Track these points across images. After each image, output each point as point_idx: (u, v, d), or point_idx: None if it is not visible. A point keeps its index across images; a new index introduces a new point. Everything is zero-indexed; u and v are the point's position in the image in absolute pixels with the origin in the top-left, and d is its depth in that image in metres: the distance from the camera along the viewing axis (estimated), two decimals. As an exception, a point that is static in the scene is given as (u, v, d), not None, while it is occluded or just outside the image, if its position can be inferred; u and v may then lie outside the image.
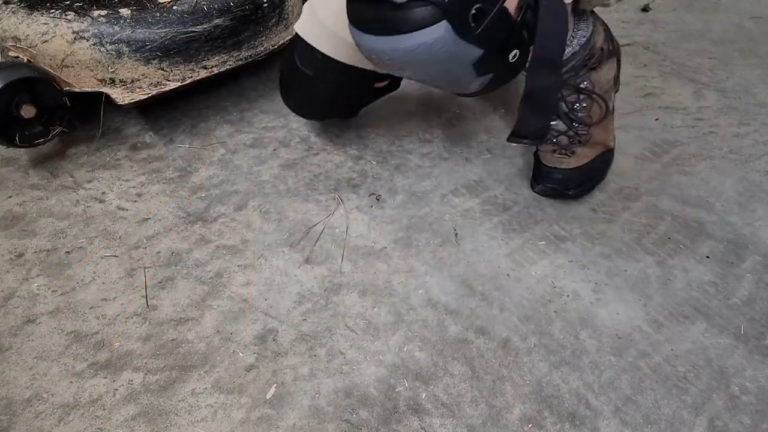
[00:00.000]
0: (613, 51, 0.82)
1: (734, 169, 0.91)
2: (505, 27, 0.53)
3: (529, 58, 0.57)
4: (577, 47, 0.75)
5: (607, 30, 0.82)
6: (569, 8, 0.66)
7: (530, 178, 0.86)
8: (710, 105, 1.07)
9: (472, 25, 0.50)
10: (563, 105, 0.80)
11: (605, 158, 0.85)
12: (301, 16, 0.80)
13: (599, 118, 0.81)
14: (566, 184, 0.82)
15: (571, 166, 0.82)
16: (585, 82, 0.79)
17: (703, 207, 0.84)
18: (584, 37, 0.76)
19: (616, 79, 0.85)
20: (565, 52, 0.73)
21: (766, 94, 1.10)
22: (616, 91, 0.86)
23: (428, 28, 0.49)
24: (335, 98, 0.85)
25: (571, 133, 0.81)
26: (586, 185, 0.84)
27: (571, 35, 0.74)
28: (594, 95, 0.79)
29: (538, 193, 0.85)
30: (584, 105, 0.79)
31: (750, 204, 0.84)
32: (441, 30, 0.50)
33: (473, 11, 0.50)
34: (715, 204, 0.84)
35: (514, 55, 0.56)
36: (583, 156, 0.82)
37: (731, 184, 0.88)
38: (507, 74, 0.59)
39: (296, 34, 0.80)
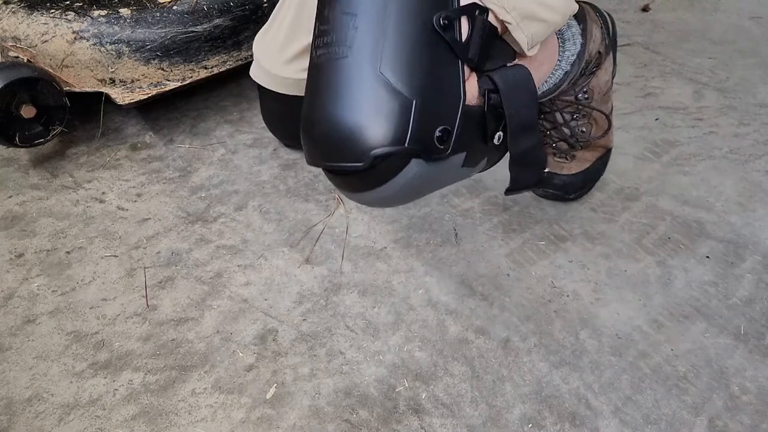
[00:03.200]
0: (609, 45, 0.79)
1: (734, 169, 0.91)
2: (475, 123, 0.49)
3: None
4: (567, 66, 0.71)
5: (603, 26, 0.79)
6: (546, 45, 0.62)
7: None
8: (710, 105, 1.07)
9: (442, 147, 0.46)
10: (559, 116, 0.79)
11: (605, 159, 0.85)
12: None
13: (603, 131, 0.80)
14: (566, 189, 0.82)
15: (571, 172, 0.82)
16: (583, 91, 0.77)
17: (703, 207, 0.84)
18: (573, 55, 0.70)
19: (614, 65, 0.82)
20: (554, 77, 0.69)
21: (766, 94, 1.10)
22: (613, 75, 0.83)
23: (401, 173, 0.46)
24: (287, 117, 0.80)
25: (572, 140, 0.80)
26: (587, 188, 0.84)
27: (558, 59, 0.69)
28: (593, 110, 0.78)
29: (538, 195, 0.85)
30: (583, 115, 0.78)
31: (750, 204, 0.84)
32: (414, 168, 0.46)
33: (437, 134, 0.45)
34: (715, 204, 0.84)
35: (498, 137, 0.52)
36: (584, 160, 0.82)
37: (731, 184, 0.88)
38: (499, 154, 0.56)
39: None
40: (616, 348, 0.65)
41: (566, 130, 0.79)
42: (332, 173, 0.49)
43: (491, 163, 0.56)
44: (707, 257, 0.76)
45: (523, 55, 0.52)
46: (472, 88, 0.47)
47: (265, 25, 0.73)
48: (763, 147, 0.96)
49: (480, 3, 0.45)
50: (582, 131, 0.79)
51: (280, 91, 0.72)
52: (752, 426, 0.58)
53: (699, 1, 1.48)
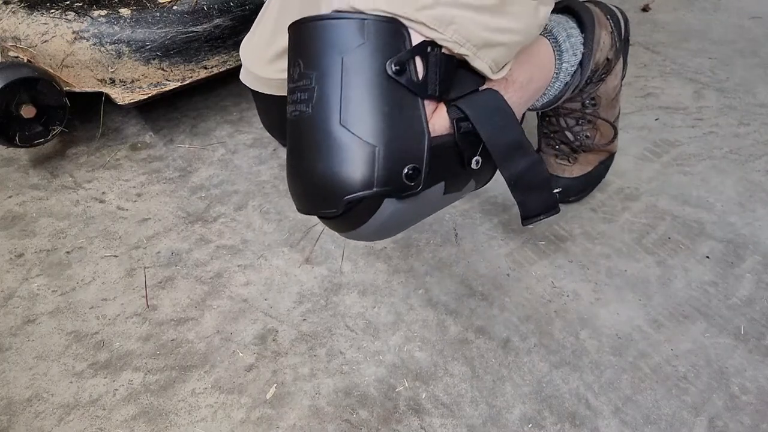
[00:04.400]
0: (619, 48, 0.76)
1: (734, 169, 0.91)
2: (449, 153, 0.49)
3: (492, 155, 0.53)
4: (567, 78, 0.68)
5: (614, 30, 0.75)
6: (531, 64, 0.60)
7: None
8: (710, 105, 1.07)
9: (412, 183, 0.46)
10: (563, 121, 0.78)
11: (608, 163, 0.84)
12: None
13: (608, 139, 0.80)
14: (567, 192, 0.82)
15: (573, 175, 0.82)
16: (590, 98, 0.75)
17: (703, 207, 0.84)
18: (573, 66, 0.68)
19: (624, 67, 0.80)
20: (553, 89, 0.67)
21: (766, 94, 1.10)
22: (623, 77, 0.81)
23: (376, 213, 0.47)
24: (281, 119, 0.80)
25: (575, 144, 0.80)
26: (588, 191, 0.84)
27: (555, 71, 0.66)
28: (599, 119, 0.77)
29: None
30: (588, 121, 0.78)
31: (750, 204, 0.84)
32: (388, 207, 0.47)
33: (407, 172, 0.46)
34: (715, 204, 0.84)
35: (476, 162, 0.52)
36: (586, 163, 0.82)
37: (731, 184, 0.88)
38: (486, 175, 0.55)
39: None
40: (616, 348, 0.65)
41: (569, 135, 0.79)
42: (319, 217, 0.51)
43: (480, 184, 0.56)
44: (707, 257, 0.76)
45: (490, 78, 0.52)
46: (441, 120, 0.48)
47: (251, 30, 0.74)
48: (763, 147, 0.96)
49: (431, 40, 0.45)
50: (586, 136, 0.79)
51: (266, 92, 0.73)
52: (752, 426, 0.58)
53: (699, 1, 1.48)
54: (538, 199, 0.55)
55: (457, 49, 0.46)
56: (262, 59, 0.69)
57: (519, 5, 0.49)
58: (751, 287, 0.72)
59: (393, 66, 0.44)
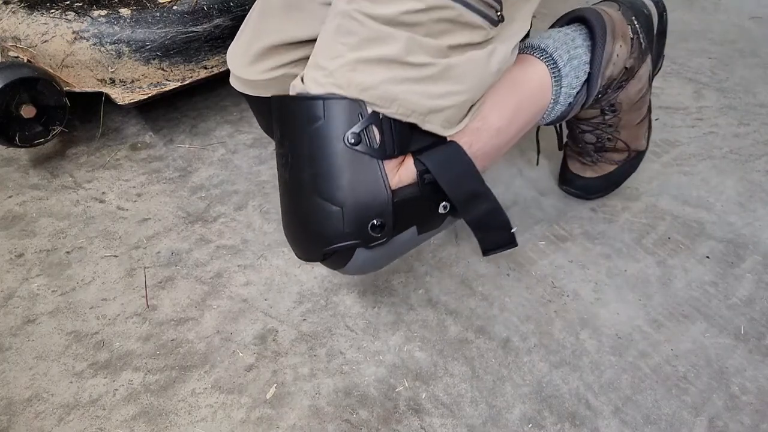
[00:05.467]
0: (646, 49, 0.72)
1: (734, 169, 0.91)
2: (416, 201, 0.54)
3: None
4: (570, 99, 0.66)
5: (637, 34, 0.70)
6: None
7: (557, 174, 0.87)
8: (710, 105, 1.07)
9: (379, 235, 0.52)
10: (583, 125, 0.77)
11: (633, 163, 0.83)
12: None
13: (635, 139, 0.78)
14: (588, 190, 0.83)
15: (595, 175, 0.81)
16: (609, 104, 0.73)
17: (703, 207, 0.84)
18: (575, 88, 0.66)
19: (660, 60, 0.77)
20: (554, 111, 0.67)
21: (766, 94, 1.10)
22: (659, 68, 0.77)
23: (351, 260, 0.54)
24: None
25: (598, 144, 0.79)
26: (610, 189, 0.84)
27: (552, 98, 0.65)
28: (621, 124, 0.76)
29: (563, 190, 0.86)
30: (610, 129, 0.76)
31: (750, 204, 0.84)
32: (361, 255, 0.54)
33: (373, 223, 0.52)
34: (715, 204, 0.84)
35: (444, 207, 0.55)
36: (610, 164, 0.81)
37: (731, 184, 0.88)
38: (459, 213, 0.57)
39: None
40: (616, 348, 0.65)
41: (590, 137, 0.78)
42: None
43: (457, 217, 0.59)
44: (707, 257, 0.76)
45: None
46: (407, 171, 0.53)
47: (236, 36, 0.75)
48: (763, 147, 0.96)
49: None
50: (608, 139, 0.78)
51: (250, 94, 0.74)
52: (752, 426, 0.58)
53: (699, 1, 1.48)
54: (497, 237, 0.59)
55: (405, 119, 0.51)
56: (244, 62, 0.71)
57: (464, 65, 0.52)
58: (751, 287, 0.72)
59: (350, 138, 0.50)
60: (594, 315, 0.69)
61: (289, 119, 0.54)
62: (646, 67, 0.74)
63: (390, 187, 0.52)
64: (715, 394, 0.61)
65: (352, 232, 0.53)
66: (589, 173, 0.82)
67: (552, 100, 0.65)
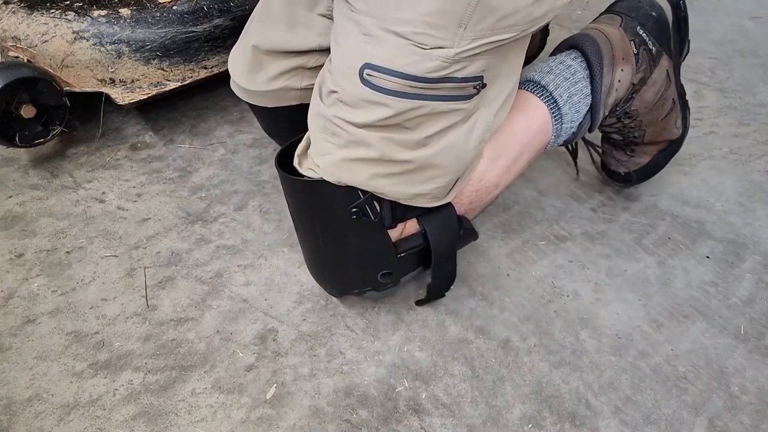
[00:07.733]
0: (657, 55, 0.71)
1: (734, 169, 0.91)
2: (416, 252, 0.62)
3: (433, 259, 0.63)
4: (574, 129, 0.67)
5: (642, 45, 0.69)
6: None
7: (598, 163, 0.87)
8: (710, 105, 1.07)
9: (388, 281, 0.63)
10: (606, 129, 0.77)
11: (669, 151, 0.80)
12: None
13: (665, 131, 0.77)
14: (628, 179, 0.81)
15: (631, 169, 0.80)
16: (625, 112, 0.72)
17: (703, 207, 0.84)
18: (577, 120, 0.66)
19: (687, 47, 0.76)
20: (560, 139, 0.68)
21: (766, 94, 1.10)
22: (686, 53, 0.76)
23: (365, 294, 0.67)
24: (274, 126, 0.84)
25: (627, 141, 0.78)
26: (649, 177, 0.82)
27: (553, 135, 0.66)
28: (643, 129, 0.75)
29: (600, 179, 0.87)
30: (634, 127, 0.76)
31: (750, 204, 0.84)
32: (372, 295, 0.67)
33: (383, 272, 0.62)
34: (715, 204, 0.84)
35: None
36: (644, 155, 0.80)
37: (731, 184, 0.88)
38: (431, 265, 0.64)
39: None
40: (616, 348, 0.65)
41: (617, 137, 0.78)
42: None
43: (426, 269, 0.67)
44: (707, 257, 0.76)
45: None
46: (412, 222, 0.61)
47: (238, 40, 0.75)
48: (763, 147, 0.96)
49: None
50: (635, 136, 0.77)
51: (251, 102, 0.75)
52: (752, 426, 0.58)
53: (699, 1, 1.48)
54: (442, 291, 0.69)
55: (395, 200, 0.58)
56: (244, 69, 0.73)
57: (443, 153, 0.56)
58: (751, 287, 0.72)
59: (352, 212, 0.57)
60: (594, 315, 0.69)
61: (297, 194, 0.60)
62: (661, 69, 0.71)
63: (393, 245, 0.60)
64: (715, 394, 0.61)
65: (365, 281, 0.63)
66: (623, 168, 0.81)
67: (554, 136, 0.66)
